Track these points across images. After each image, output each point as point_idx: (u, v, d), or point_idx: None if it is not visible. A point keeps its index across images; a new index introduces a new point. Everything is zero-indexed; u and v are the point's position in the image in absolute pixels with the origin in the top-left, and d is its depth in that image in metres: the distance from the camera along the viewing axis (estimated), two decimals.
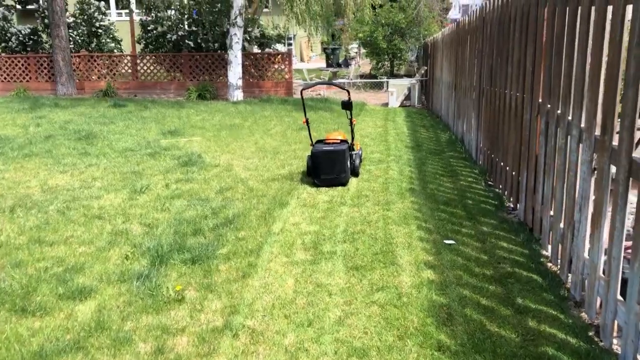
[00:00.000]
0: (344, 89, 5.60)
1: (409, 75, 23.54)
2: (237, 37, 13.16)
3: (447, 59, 10.51)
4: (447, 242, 4.09)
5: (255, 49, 17.34)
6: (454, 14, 31.83)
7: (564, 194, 3.49)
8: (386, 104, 15.23)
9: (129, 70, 15.85)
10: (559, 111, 3.63)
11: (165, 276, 3.68)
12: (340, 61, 34.77)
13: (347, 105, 5.91)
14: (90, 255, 4.08)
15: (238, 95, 13.57)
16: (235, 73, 13.40)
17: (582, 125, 3.15)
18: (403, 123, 10.70)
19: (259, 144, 8.27)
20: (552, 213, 3.78)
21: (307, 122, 6.10)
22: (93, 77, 15.91)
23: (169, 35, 16.28)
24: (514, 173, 4.97)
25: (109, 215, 5.01)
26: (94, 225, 4.73)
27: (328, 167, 5.74)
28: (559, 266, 3.61)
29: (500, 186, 5.51)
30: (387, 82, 17.05)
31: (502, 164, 5.44)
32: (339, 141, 6.08)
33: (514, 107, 4.93)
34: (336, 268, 3.71)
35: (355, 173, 6.19)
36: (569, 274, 3.38)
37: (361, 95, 19.69)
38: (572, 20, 3.35)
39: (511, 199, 5.06)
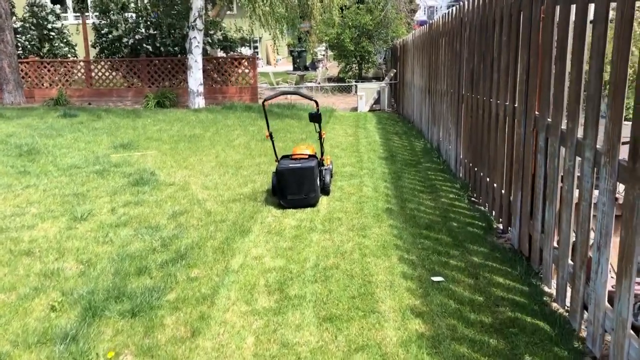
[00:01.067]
0: (312, 99, 5.02)
1: (377, 78, 23.14)
2: (197, 40, 12.43)
3: (419, 62, 10.03)
4: (434, 279, 3.52)
5: (221, 53, 16.61)
6: (421, 15, 31.57)
7: (572, 226, 2.95)
8: (355, 109, 14.72)
9: (83, 77, 14.93)
10: (563, 127, 3.10)
11: (98, 335, 3.01)
12: (307, 64, 34.22)
13: (315, 117, 5.31)
14: (9, 307, 3.37)
15: (199, 102, 12.84)
16: (195, 79, 12.66)
17: (599, 146, 2.61)
18: (375, 130, 10.16)
19: (220, 157, 7.60)
20: (556, 244, 3.25)
21: (270, 136, 5.48)
22: (44, 85, 14.92)
23: (125, 39, 15.41)
24: (503, 191, 4.45)
25: (41, 250, 4.29)
26: (21, 265, 4.01)
27: (295, 186, 5.13)
28: (566, 308, 3.08)
29: (487, 205, 4.99)
30: (356, 85, 16.54)
31: (487, 179, 4.92)
32: (307, 156, 5.47)
33: (502, 118, 4.41)
34: (306, 319, 3.09)
35: (325, 191, 5.60)
36: (583, 323, 2.84)
37: (329, 99, 19.17)
38: (581, 21, 2.82)
39: (500, 220, 4.54)
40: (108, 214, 5.20)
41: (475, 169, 5.47)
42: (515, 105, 4.05)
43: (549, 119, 3.32)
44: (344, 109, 15.15)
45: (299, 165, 5.15)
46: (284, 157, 5.56)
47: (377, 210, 5.09)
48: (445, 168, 6.81)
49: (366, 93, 14.72)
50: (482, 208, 5.12)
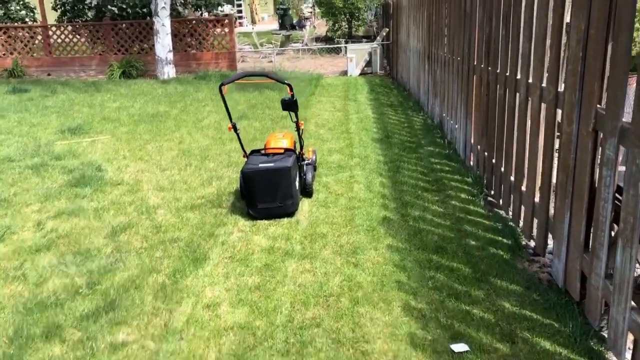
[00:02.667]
0: (284, 82, 3.89)
1: (368, 36, 21.80)
2: (162, 0, 11.09)
3: (416, 22, 8.85)
4: (456, 348, 2.52)
5: (205, 14, 15.20)
6: None
7: None
8: (345, 72, 13.57)
9: (41, 44, 13.56)
10: None
11: None
12: (294, 22, 32.67)
13: (289, 105, 4.20)
14: None
15: (169, 71, 11.60)
16: (163, 45, 11.38)
17: None
18: (367, 102, 9.03)
19: (184, 143, 6.49)
20: (635, 304, 2.24)
21: (234, 128, 4.38)
22: None
23: (88, 0, 13.98)
24: (536, 200, 3.43)
25: None
26: None
27: (268, 192, 4.08)
28: None
29: (510, 211, 3.97)
30: (346, 47, 15.29)
31: (512, 178, 3.89)
32: (282, 150, 4.40)
33: (535, 104, 3.34)
34: None
35: (307, 192, 4.56)
36: None
37: (317, 61, 17.89)
38: None
39: (532, 236, 3.53)
40: (31, 230, 4.15)
41: (493, 160, 4.43)
42: (560, 90, 2.98)
43: (625, 121, 2.26)
44: (333, 72, 13.98)
45: (272, 164, 4.08)
46: (253, 152, 4.49)
47: (371, 220, 4.06)
48: (452, 153, 5.76)
49: (357, 55, 13.53)
50: (503, 213, 4.11)
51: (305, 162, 4.64)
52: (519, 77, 3.72)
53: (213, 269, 3.44)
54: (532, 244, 3.57)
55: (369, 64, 13.77)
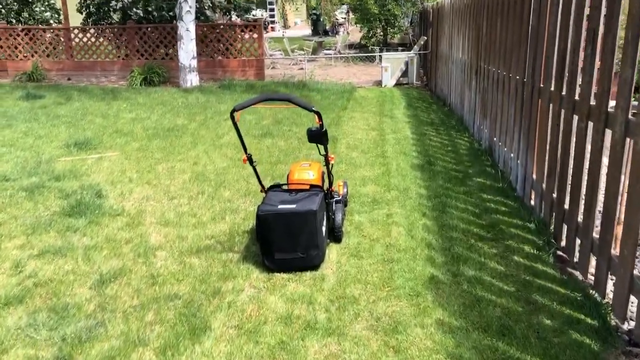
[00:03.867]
0: (311, 110, 3.14)
1: (403, 44, 21.05)
2: (187, 4, 10.55)
3: (461, 31, 8.08)
4: None
5: (236, 19, 14.65)
6: None
7: None
8: (379, 83, 12.86)
9: (62, 47, 13.19)
10: None
11: None
12: (327, 28, 32.15)
13: (317, 136, 3.48)
14: None
15: (192, 79, 11.04)
16: (187, 52, 10.83)
17: None
18: (404, 119, 8.28)
19: (199, 164, 5.85)
20: None
21: (249, 160, 3.69)
22: (18, 56, 13.23)
23: (113, 2, 13.59)
24: (637, 273, 2.64)
25: None
26: None
27: (287, 239, 3.38)
28: None
29: (591, 275, 3.19)
30: (381, 55, 14.57)
31: (595, 235, 3.11)
32: (308, 187, 3.70)
33: None
34: None
35: (336, 236, 3.84)
36: None
37: (350, 69, 17.22)
38: None
39: (628, 321, 2.74)
40: (7, 273, 3.54)
41: (565, 206, 3.64)
42: None
43: None
44: (366, 82, 13.28)
45: (294, 206, 3.38)
46: (273, 187, 3.79)
47: (415, 280, 3.31)
48: (507, 187, 4.97)
49: (392, 64, 12.82)
50: (580, 277, 3.33)
51: (335, 199, 3.92)
52: (611, 109, 2.94)
53: (214, 345, 2.74)
54: (628, 325, 2.78)
55: (404, 74, 13.04)
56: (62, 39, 13.11)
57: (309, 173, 3.94)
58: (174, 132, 7.23)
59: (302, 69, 15.33)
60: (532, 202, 4.44)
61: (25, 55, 13.19)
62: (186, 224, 4.29)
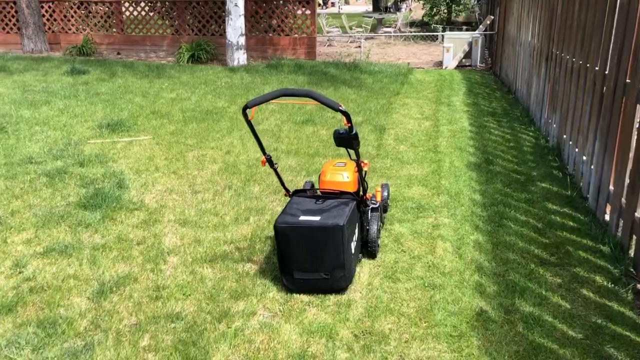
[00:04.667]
0: (338, 110, 2.59)
1: (468, 23, 20.01)
2: None
3: (532, 10, 7.30)
4: None
5: None
6: None
7: None
8: (440, 64, 12.16)
9: (114, 21, 13.09)
10: None
11: None
12: (389, 4, 31.21)
13: (345, 141, 2.96)
14: None
15: (239, 58, 10.65)
16: (235, 28, 10.43)
17: None
18: (463, 107, 7.60)
19: (232, 153, 5.46)
20: None
21: (269, 162, 3.22)
22: (71, 29, 13.24)
23: None
24: None
25: None
26: None
27: (309, 257, 2.92)
28: None
29: None
30: (443, 35, 13.77)
31: None
32: (337, 192, 3.21)
33: None
34: None
35: (371, 252, 3.35)
36: None
37: (410, 49, 16.46)
38: None
39: None
40: (6, 274, 3.29)
41: None
42: None
43: None
44: (426, 63, 12.58)
45: (318, 219, 2.90)
46: (298, 192, 3.32)
47: (459, 316, 2.79)
48: (576, 196, 4.32)
49: (455, 44, 12.08)
50: None
51: (370, 206, 3.42)
52: None
53: None
54: None
55: (467, 55, 12.25)
56: (114, 12, 13.00)
57: (343, 175, 3.45)
58: (212, 115, 6.87)
59: (359, 47, 14.74)
60: (607, 218, 3.80)
61: (77, 28, 13.18)
62: (206, 224, 3.90)
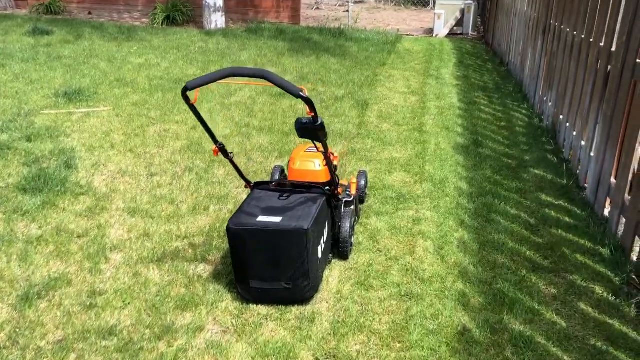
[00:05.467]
0: (299, 96, 2.09)
1: None
2: None
3: None
4: None
5: None
6: None
7: None
8: (430, 31, 11.66)
9: None
10: None
11: None
12: None
13: (309, 132, 2.50)
14: None
15: (217, 20, 10.04)
16: None
17: None
18: (452, 81, 7.16)
19: (198, 128, 5.01)
20: None
21: (222, 151, 2.75)
22: None
23: None
24: None
25: None
26: None
27: (267, 264, 2.53)
28: None
29: None
30: (434, 1, 13.21)
31: None
32: (306, 186, 2.80)
33: None
34: None
35: (341, 252, 2.95)
36: None
37: (400, 14, 15.89)
38: None
39: None
40: None
41: None
42: None
43: None
44: (416, 30, 12.07)
45: (278, 220, 2.49)
46: (259, 185, 2.90)
47: (438, 336, 2.43)
48: (572, 185, 3.95)
49: (446, 11, 11.58)
50: None
51: (343, 199, 3.01)
52: None
53: None
54: None
55: (459, 22, 11.75)
56: None
57: (314, 162, 3.06)
58: (181, 84, 6.36)
59: (347, 11, 14.12)
60: (607, 214, 3.44)
61: None
62: (159, 214, 3.48)
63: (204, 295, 2.69)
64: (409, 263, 2.97)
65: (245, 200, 2.73)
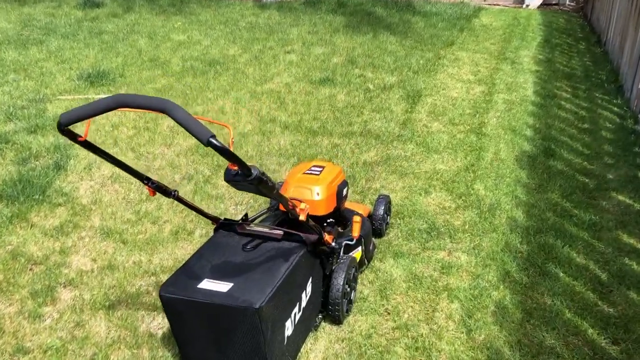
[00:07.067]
0: (207, 143, 1.39)
1: None
2: None
3: None
4: None
5: None
6: None
7: None
8: (521, 1, 10.36)
9: None
10: None
11: None
12: None
13: (246, 187, 1.77)
14: None
15: None
16: None
17: None
18: (531, 66, 6.13)
19: (214, 125, 4.40)
20: None
21: (160, 190, 2.10)
22: None
23: None
24: None
25: None
26: None
27: (211, 345, 1.93)
28: None
29: None
30: None
31: None
32: (280, 233, 2.15)
33: None
34: None
35: (333, 315, 2.28)
36: None
37: None
38: None
39: None
40: None
41: None
42: None
43: None
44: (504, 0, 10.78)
45: (224, 291, 1.87)
46: (225, 225, 2.26)
47: None
48: None
49: None
50: None
51: (340, 245, 2.34)
52: None
53: None
54: None
55: None
56: None
57: (312, 190, 2.40)
58: (215, 66, 5.81)
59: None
60: None
61: None
62: (135, 237, 2.96)
63: None
64: (422, 336, 2.27)
65: (197, 251, 2.12)
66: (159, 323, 2.36)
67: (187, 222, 3.09)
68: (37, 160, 3.77)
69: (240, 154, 3.89)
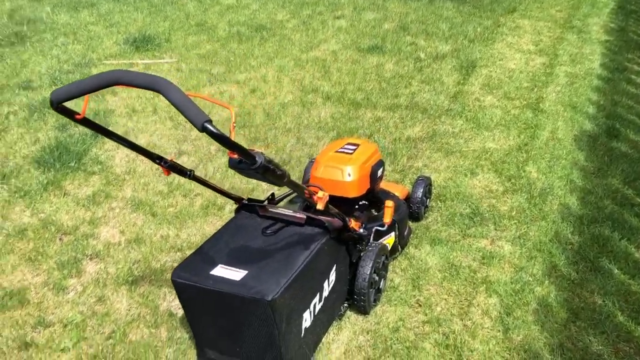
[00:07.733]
0: (201, 128, 1.22)
1: None
2: None
3: None
4: None
5: None
6: None
7: None
8: None
9: None
10: None
11: None
12: None
13: (252, 175, 1.61)
14: None
15: None
16: None
17: None
18: (600, 35, 5.68)
19: (256, 92, 4.33)
20: None
21: (174, 169, 1.97)
22: None
23: None
24: None
25: None
26: None
27: (223, 334, 1.84)
28: None
29: None
30: None
31: None
32: (301, 218, 2.02)
33: None
34: None
35: (359, 305, 2.16)
36: None
37: None
38: None
39: None
40: None
41: None
42: None
43: None
44: None
45: (237, 279, 1.76)
46: (248, 205, 2.14)
47: None
48: None
49: None
50: None
51: (371, 231, 2.20)
52: None
53: None
54: None
55: None
56: None
57: (343, 171, 2.26)
58: (261, 32, 5.66)
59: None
60: None
61: None
62: (164, 210, 2.91)
63: (164, 348, 2.07)
64: (454, 333, 2.11)
65: (215, 233, 2.02)
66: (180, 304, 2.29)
67: (218, 197, 3.00)
68: (76, 127, 3.77)
69: (278, 125, 3.77)
